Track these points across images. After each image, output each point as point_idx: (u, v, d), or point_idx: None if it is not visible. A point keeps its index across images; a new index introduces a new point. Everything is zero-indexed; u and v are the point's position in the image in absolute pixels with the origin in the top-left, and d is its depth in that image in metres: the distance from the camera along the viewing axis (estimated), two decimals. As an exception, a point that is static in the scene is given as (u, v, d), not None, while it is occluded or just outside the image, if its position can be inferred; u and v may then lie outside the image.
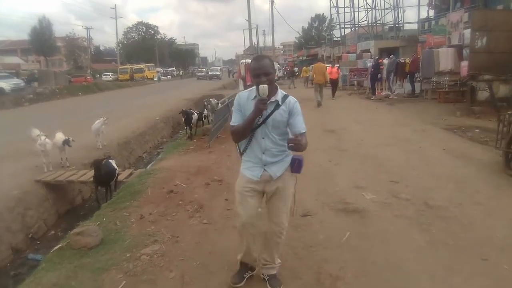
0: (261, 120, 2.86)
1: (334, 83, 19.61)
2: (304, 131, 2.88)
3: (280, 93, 2.91)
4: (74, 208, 8.19)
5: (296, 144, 2.67)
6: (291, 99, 2.94)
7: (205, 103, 13.56)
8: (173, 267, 3.74)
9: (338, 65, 25.62)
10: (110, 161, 7.26)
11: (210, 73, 57.21)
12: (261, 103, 2.71)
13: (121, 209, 5.45)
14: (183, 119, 11.84)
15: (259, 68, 2.79)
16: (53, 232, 7.11)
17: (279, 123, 2.88)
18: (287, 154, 2.99)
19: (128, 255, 4.00)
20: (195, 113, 12.32)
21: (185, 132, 12.00)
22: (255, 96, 2.86)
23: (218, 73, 56.48)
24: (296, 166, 2.98)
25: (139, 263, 3.83)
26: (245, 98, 2.94)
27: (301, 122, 2.92)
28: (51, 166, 8.23)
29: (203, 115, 13.23)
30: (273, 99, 2.85)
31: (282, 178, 2.98)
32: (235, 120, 2.94)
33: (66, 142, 8.25)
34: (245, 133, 2.90)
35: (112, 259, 3.94)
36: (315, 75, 16.66)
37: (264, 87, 2.67)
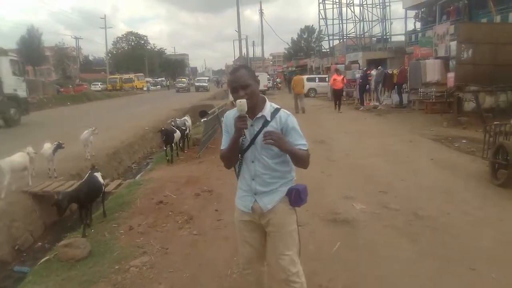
0: (247, 140, 2.46)
1: (338, 94, 17.93)
2: (305, 149, 2.43)
3: (269, 107, 2.48)
4: (62, 220, 8.06)
5: (272, 136, 2.26)
6: (283, 113, 2.47)
7: (172, 123, 11.15)
8: (162, 279, 3.71)
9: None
10: (96, 174, 5.98)
11: (196, 84, 52.48)
12: (239, 121, 2.30)
13: (110, 220, 5.41)
14: (162, 139, 9.81)
15: (235, 81, 2.40)
16: (40, 243, 6.99)
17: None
18: (284, 183, 2.50)
19: (116, 267, 3.96)
20: (177, 131, 10.20)
21: (165, 154, 9.80)
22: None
23: (205, 84, 51.16)
24: (294, 197, 2.47)
25: (128, 275, 3.79)
26: (231, 117, 2.50)
27: (299, 137, 2.44)
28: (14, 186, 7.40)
29: (186, 132, 11.12)
30: (259, 114, 2.44)
31: (275, 211, 2.49)
32: (223, 143, 2.55)
33: (58, 147, 8.22)
34: (231, 157, 2.52)
35: (101, 271, 3.90)
36: (295, 86, 18.29)
37: (241, 102, 2.29)
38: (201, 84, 51.21)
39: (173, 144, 9.78)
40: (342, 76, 18.12)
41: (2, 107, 16.38)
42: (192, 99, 31.34)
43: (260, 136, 2.40)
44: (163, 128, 9.81)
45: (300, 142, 2.43)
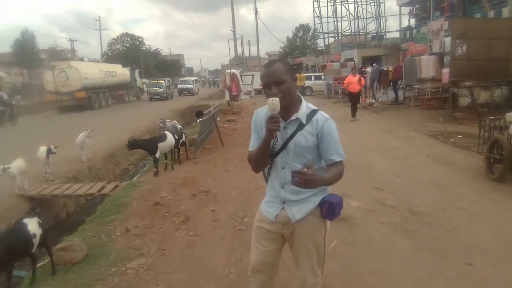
0: (279, 144, 2.22)
1: (354, 98, 13.86)
2: (339, 160, 2.18)
3: (305, 108, 2.22)
4: (58, 223, 8.05)
5: (301, 178, 1.95)
6: (320, 116, 2.21)
7: (161, 124, 9.71)
8: (159, 281, 3.70)
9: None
10: (27, 221, 4.19)
11: (178, 86, 41.32)
12: (271, 122, 2.05)
13: (106, 222, 5.39)
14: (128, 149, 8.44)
15: (268, 76, 2.15)
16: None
17: (303, 150, 2.18)
18: (316, 192, 2.26)
19: (113, 269, 3.95)
20: (168, 136, 8.32)
21: (153, 165, 8.13)
22: None
23: (190, 86, 40.06)
24: (325, 210, 2.23)
25: (125, 277, 3.78)
26: (263, 115, 2.25)
27: (336, 147, 2.19)
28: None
29: (181, 140, 9.36)
30: (293, 117, 2.19)
31: (302, 223, 2.27)
32: (252, 144, 2.33)
33: (49, 151, 8.16)
34: (260, 160, 2.28)
35: (97, 274, 3.88)
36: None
37: (274, 101, 2.04)
38: (184, 86, 40.13)
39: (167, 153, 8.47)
40: (358, 76, 14.05)
41: (137, 92, 35.64)
42: (188, 98, 31.20)
43: (293, 140, 2.19)
44: (131, 139, 8.14)
45: (335, 153, 2.18)
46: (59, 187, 7.87)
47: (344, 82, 13.74)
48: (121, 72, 32.01)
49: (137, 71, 36.99)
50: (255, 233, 2.44)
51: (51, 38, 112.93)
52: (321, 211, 2.25)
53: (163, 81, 36.80)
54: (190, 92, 38.83)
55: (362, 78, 14.33)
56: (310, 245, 2.31)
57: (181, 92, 39.12)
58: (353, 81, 13.53)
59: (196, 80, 46.31)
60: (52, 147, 8.27)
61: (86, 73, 25.12)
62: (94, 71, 26.99)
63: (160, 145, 7.98)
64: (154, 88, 35.18)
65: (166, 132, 8.57)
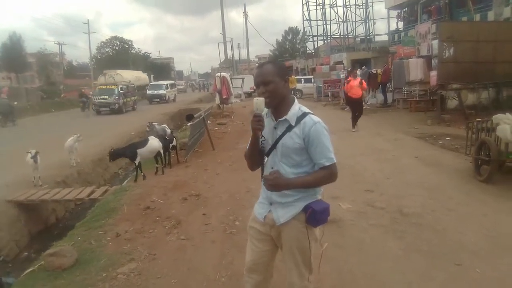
0: (269, 143, 2.28)
1: (356, 104, 12.12)
2: (328, 164, 2.17)
3: (296, 110, 2.24)
4: (48, 228, 7.98)
5: (268, 182, 2.15)
6: (309, 119, 2.20)
7: (147, 128, 10.06)
8: (150, 286, 3.68)
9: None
10: None
11: (148, 91, 33.71)
12: (254, 121, 2.14)
13: (96, 227, 5.35)
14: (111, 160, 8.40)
15: (257, 76, 2.24)
16: (26, 253, 6.90)
17: (289, 151, 2.20)
18: (302, 197, 2.25)
19: (104, 275, 3.92)
20: (152, 141, 8.34)
21: (135, 173, 8.24)
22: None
23: (162, 91, 32.97)
24: (308, 217, 2.21)
25: (116, 282, 3.76)
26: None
27: (324, 151, 2.18)
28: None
29: (171, 144, 9.39)
30: (283, 117, 2.23)
31: (287, 226, 2.28)
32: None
33: (34, 158, 8.06)
34: (251, 158, 2.36)
35: (88, 279, 3.86)
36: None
37: (258, 100, 2.14)
38: (155, 92, 32.97)
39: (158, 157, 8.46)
40: (359, 79, 12.40)
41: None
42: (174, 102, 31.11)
43: (281, 141, 2.22)
44: (112, 149, 8.12)
45: (324, 157, 2.18)
46: (48, 192, 7.79)
47: (346, 87, 12.56)
48: (142, 76, 43.29)
49: (152, 76, 49.02)
50: (249, 233, 2.48)
51: (39, 42, 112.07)
52: (306, 216, 2.24)
53: (114, 87, 25.72)
54: (162, 99, 32.42)
55: (363, 81, 12.78)
56: (294, 249, 2.30)
57: (152, 99, 32.49)
58: (353, 86, 11.91)
59: (171, 84, 37.81)
60: (33, 151, 8.13)
61: (126, 77, 34.07)
62: (130, 76, 36.59)
63: (139, 151, 7.86)
64: (101, 97, 24.87)
65: (150, 137, 8.43)
